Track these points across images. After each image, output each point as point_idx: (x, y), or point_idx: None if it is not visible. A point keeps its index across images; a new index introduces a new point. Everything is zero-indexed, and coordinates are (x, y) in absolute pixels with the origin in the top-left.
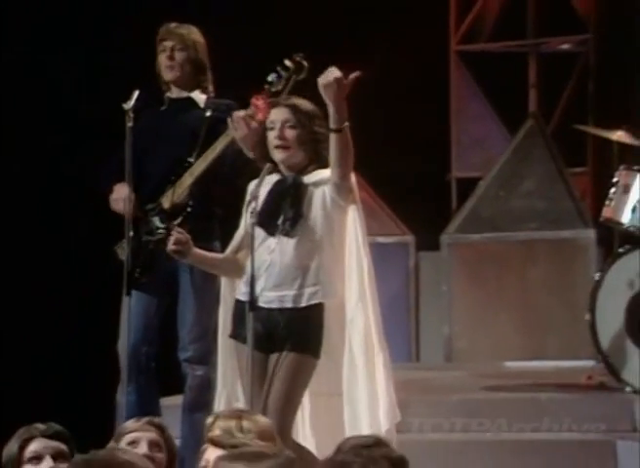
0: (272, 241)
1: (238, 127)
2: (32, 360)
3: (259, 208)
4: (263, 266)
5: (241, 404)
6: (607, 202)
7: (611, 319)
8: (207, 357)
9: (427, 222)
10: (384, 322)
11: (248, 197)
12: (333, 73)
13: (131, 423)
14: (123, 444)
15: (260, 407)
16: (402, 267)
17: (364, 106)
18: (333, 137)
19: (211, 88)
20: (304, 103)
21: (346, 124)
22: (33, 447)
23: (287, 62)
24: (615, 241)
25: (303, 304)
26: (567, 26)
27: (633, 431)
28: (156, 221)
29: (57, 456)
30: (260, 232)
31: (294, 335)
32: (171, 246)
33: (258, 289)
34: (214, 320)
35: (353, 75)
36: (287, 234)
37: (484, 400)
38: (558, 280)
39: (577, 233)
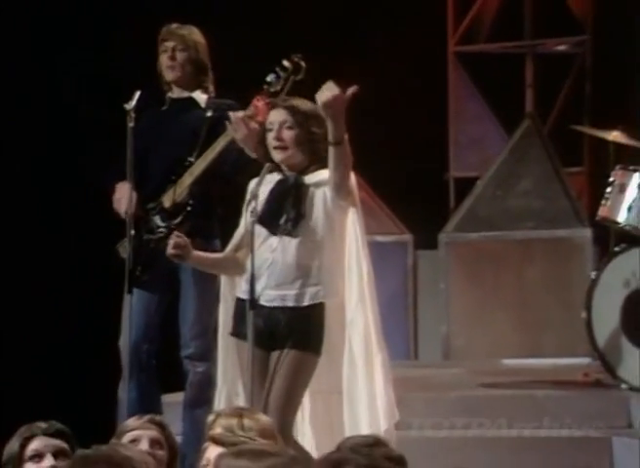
0: (274, 240)
1: (237, 128)
2: (34, 358)
3: (259, 207)
4: (265, 265)
5: (241, 400)
6: (603, 201)
7: (607, 317)
8: (208, 354)
9: (425, 221)
10: (383, 320)
11: (248, 196)
12: (331, 90)
13: (132, 421)
14: (124, 441)
15: (261, 404)
16: (400, 266)
17: (363, 107)
18: (332, 150)
19: (212, 88)
20: (303, 104)
21: (345, 137)
22: (34, 445)
23: (285, 63)
24: (611, 240)
25: (306, 303)
26: (564, 28)
27: (629, 427)
28: (157, 220)
29: (58, 454)
30: (261, 231)
31: (295, 333)
32: (170, 250)
33: (259, 287)
34: (214, 317)
35: (351, 90)
36: (289, 234)
37: (482, 397)
38: (555, 278)
39: (573, 232)
